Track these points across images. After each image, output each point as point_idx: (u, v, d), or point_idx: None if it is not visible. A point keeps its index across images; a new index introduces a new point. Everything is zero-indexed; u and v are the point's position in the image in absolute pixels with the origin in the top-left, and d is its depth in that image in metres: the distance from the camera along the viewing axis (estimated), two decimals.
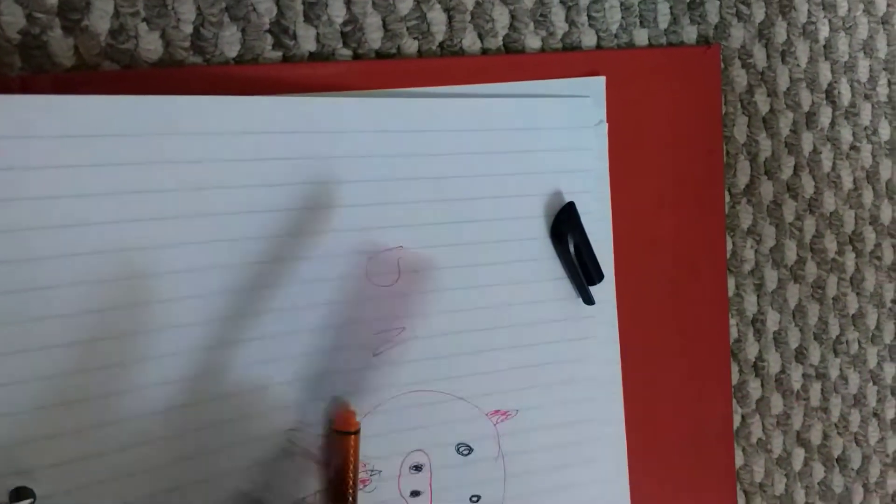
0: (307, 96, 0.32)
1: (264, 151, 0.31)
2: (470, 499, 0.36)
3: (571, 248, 0.37)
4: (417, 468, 0.35)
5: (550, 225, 0.37)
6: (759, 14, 0.43)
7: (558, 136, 0.38)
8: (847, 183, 0.46)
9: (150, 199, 0.29)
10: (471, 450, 0.36)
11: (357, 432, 0.33)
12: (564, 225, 0.37)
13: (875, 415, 0.47)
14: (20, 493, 0.27)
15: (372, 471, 0.35)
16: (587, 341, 0.39)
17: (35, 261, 0.27)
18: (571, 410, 0.38)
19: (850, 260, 0.46)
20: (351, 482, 0.32)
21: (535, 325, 0.37)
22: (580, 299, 0.38)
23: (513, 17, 0.37)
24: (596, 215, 0.38)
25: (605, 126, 0.38)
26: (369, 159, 0.34)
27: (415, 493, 0.35)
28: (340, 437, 0.33)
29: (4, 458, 0.27)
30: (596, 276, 0.38)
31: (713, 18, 0.42)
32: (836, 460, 0.46)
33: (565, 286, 0.38)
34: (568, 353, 0.38)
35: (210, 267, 0.31)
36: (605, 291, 0.39)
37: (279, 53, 0.33)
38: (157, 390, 0.30)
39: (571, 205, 0.37)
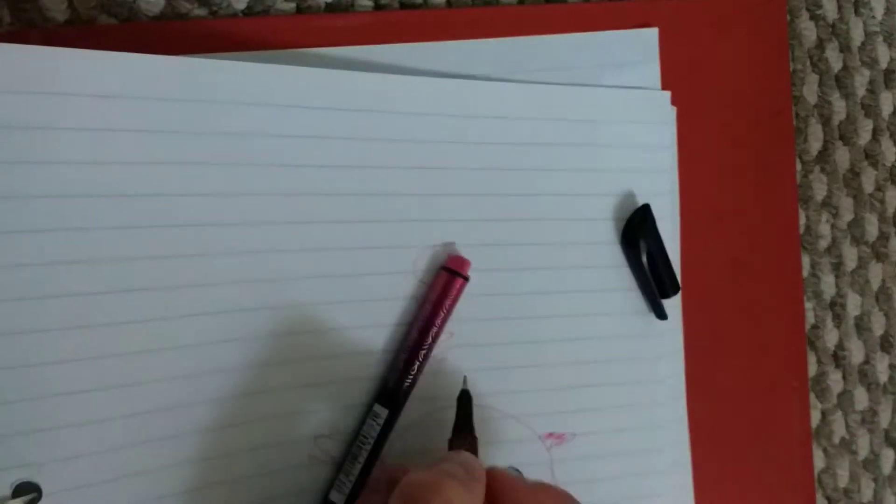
0: (363, 73, 0.31)
1: (324, 128, 0.30)
2: None
3: (644, 256, 0.35)
4: None
5: (622, 229, 0.35)
6: None
7: (629, 131, 0.36)
8: None
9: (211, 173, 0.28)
10: (520, 474, 0.34)
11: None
12: (638, 230, 0.35)
13: None
14: (25, 487, 0.26)
15: None
16: (656, 361, 0.36)
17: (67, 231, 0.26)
18: (634, 438, 0.36)
19: None
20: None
21: (599, 340, 0.35)
22: (651, 313, 0.36)
23: None
24: (668, 220, 0.36)
25: (675, 120, 0.36)
26: (419, 144, 0.32)
27: None
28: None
29: (8, 451, 0.26)
30: (671, 287, 0.35)
31: None
32: None
33: (635, 298, 0.36)
34: (634, 374, 0.36)
35: (246, 252, 0.29)
36: (673, 299, 0.36)
37: (293, 4, 0.32)
38: (171, 384, 0.28)
39: (646, 207, 0.35)
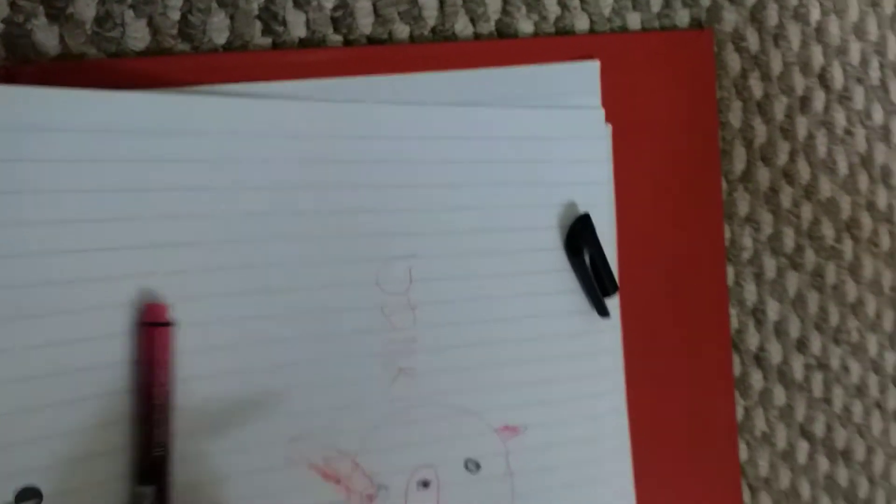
0: (330, 104, 0.35)
1: (283, 154, 0.34)
2: None
3: (587, 260, 0.40)
4: (425, 484, 0.38)
5: (565, 237, 0.40)
6: None
7: (568, 147, 0.41)
8: (843, 168, 0.49)
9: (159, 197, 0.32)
10: (479, 466, 0.39)
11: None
12: (579, 237, 0.40)
13: (878, 405, 0.51)
14: (26, 493, 0.29)
15: (379, 486, 0.37)
16: (600, 355, 0.42)
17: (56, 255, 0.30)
18: (580, 428, 0.41)
19: (847, 247, 0.50)
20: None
21: (547, 339, 0.40)
22: (594, 312, 0.41)
23: (505, 1, 0.40)
24: (606, 229, 0.41)
25: (610, 135, 0.42)
26: (382, 165, 0.36)
27: None
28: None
29: (10, 456, 0.29)
30: (611, 287, 0.40)
31: (705, 2, 0.45)
32: (841, 453, 0.50)
33: (579, 299, 0.41)
34: (580, 369, 0.41)
35: (219, 268, 0.33)
36: (611, 302, 0.41)
37: (269, 40, 0.36)
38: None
39: (587, 216, 0.40)
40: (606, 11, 0.43)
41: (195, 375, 0.33)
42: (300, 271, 0.35)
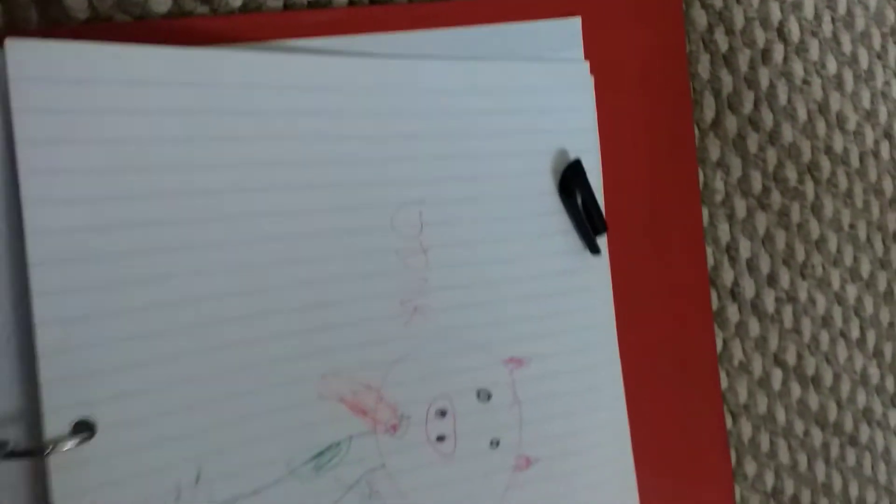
0: (333, 56, 0.38)
1: (309, 105, 0.37)
2: (490, 443, 0.42)
3: (580, 202, 0.44)
4: (442, 413, 0.41)
5: (559, 181, 0.44)
6: None
7: (557, 96, 0.44)
8: (802, 115, 0.54)
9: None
10: (490, 396, 0.42)
11: None
12: (572, 181, 0.43)
13: (842, 335, 0.55)
14: (82, 425, 0.31)
15: (402, 416, 0.40)
16: (592, 290, 0.45)
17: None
18: (577, 358, 0.45)
19: (809, 188, 0.54)
20: None
21: (544, 276, 0.44)
22: (587, 251, 0.44)
23: None
24: (593, 171, 0.45)
25: (592, 83, 0.45)
26: (391, 116, 0.39)
27: (440, 438, 0.41)
28: None
29: (67, 389, 0.31)
30: (601, 226, 0.44)
31: None
32: (811, 379, 0.54)
33: (572, 239, 0.44)
34: (574, 303, 0.45)
35: (256, 215, 0.36)
36: (600, 241, 0.45)
37: (280, 2, 0.38)
38: (223, 327, 0.35)
39: (578, 162, 0.43)
40: None
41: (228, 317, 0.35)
42: (327, 217, 0.38)
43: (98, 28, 0.34)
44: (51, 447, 0.30)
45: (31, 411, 0.31)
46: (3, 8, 0.33)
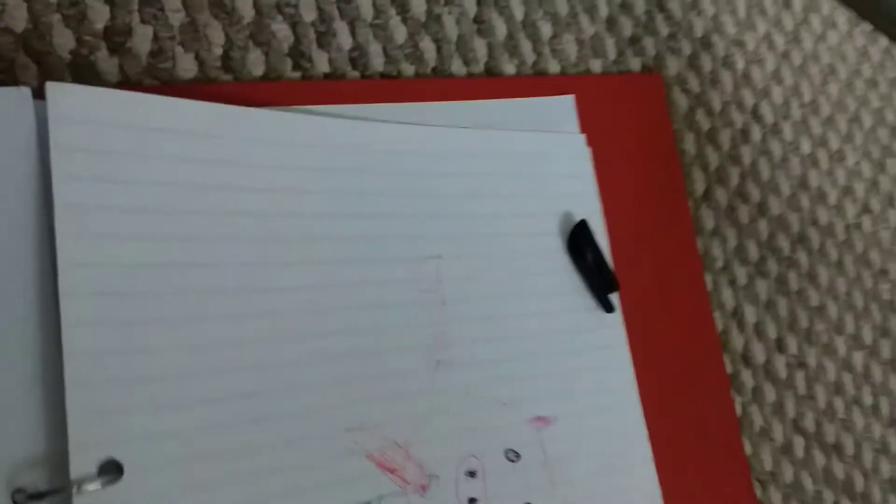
0: (365, 122, 0.40)
1: (330, 163, 0.39)
2: None
3: (589, 261, 0.45)
4: (472, 474, 0.40)
5: (567, 240, 0.45)
6: (686, 48, 0.55)
7: (559, 163, 0.47)
8: (785, 189, 0.56)
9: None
10: (518, 456, 0.41)
11: None
12: (580, 239, 0.45)
13: (856, 402, 0.55)
14: (109, 465, 0.30)
15: (430, 476, 0.38)
16: (609, 349, 0.46)
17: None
18: (603, 418, 0.44)
19: (803, 257, 0.56)
20: None
21: (561, 334, 0.44)
22: (600, 309, 0.45)
23: (489, 47, 0.47)
24: (599, 234, 0.46)
25: (591, 154, 0.48)
26: (410, 176, 0.41)
27: (472, 501, 0.39)
28: None
29: (95, 425, 0.30)
30: (613, 284, 0.45)
31: (651, 52, 0.53)
32: (833, 447, 0.53)
33: (585, 298, 0.45)
34: (593, 361, 0.45)
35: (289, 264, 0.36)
36: (614, 300, 0.46)
37: (298, 74, 0.41)
38: (252, 373, 0.34)
39: (584, 222, 0.45)
40: (573, 58, 0.50)
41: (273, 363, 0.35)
42: (352, 268, 0.38)
43: (128, 90, 0.36)
44: (76, 487, 0.28)
45: (57, 453, 0.30)
46: (39, 71, 0.35)
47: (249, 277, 0.35)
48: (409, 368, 0.39)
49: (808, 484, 0.52)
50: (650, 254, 0.49)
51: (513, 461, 0.41)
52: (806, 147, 0.58)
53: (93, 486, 0.29)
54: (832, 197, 0.58)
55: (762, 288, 0.53)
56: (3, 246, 0.30)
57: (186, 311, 0.33)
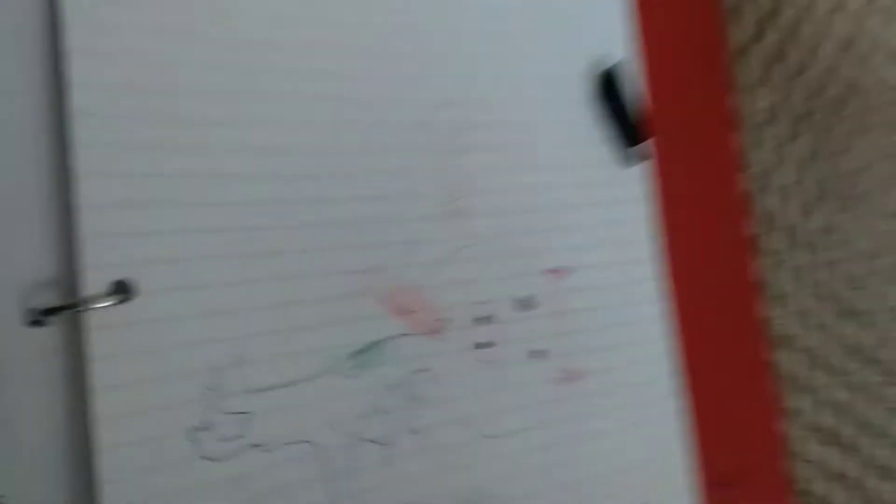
0: None
1: None
2: (533, 353, 0.40)
3: (618, 106, 0.43)
4: (485, 320, 0.39)
5: (596, 86, 0.43)
6: None
7: (591, 2, 0.44)
8: (827, 47, 0.53)
9: None
10: (532, 305, 0.40)
11: None
12: (610, 84, 0.43)
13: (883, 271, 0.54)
14: (121, 286, 0.30)
15: (443, 319, 0.38)
16: (631, 203, 0.44)
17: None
18: (619, 271, 0.43)
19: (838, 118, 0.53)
20: None
21: (583, 186, 0.43)
22: (626, 160, 0.44)
23: None
24: (631, 81, 0.44)
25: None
26: (427, 12, 0.39)
27: (483, 345, 0.39)
28: None
29: (106, 246, 0.30)
30: (641, 135, 0.43)
31: None
32: (853, 313, 0.53)
33: (611, 148, 0.44)
34: (614, 215, 0.44)
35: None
36: (641, 151, 0.44)
37: None
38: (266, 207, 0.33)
39: (615, 67, 0.43)
40: None
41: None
42: (369, 108, 0.37)
43: None
44: (88, 303, 0.28)
45: (70, 274, 0.29)
46: None
47: (267, 110, 0.34)
48: (424, 215, 0.38)
49: (831, 348, 0.52)
50: (683, 106, 0.47)
51: (527, 309, 0.41)
52: (854, 3, 0.55)
53: (104, 303, 0.29)
54: (877, 58, 0.55)
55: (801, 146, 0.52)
56: (13, 68, 0.29)
57: (207, 140, 0.33)
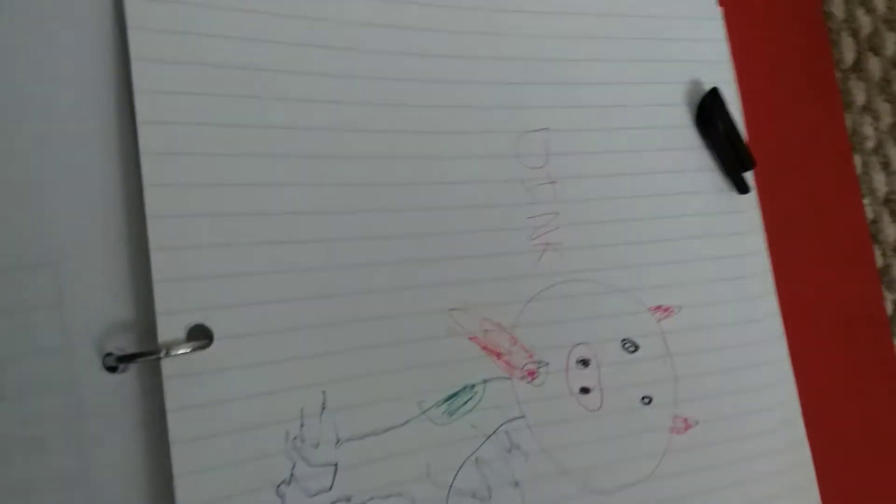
0: None
1: (431, 23, 0.35)
2: (641, 399, 0.37)
3: (721, 134, 0.40)
4: (584, 363, 0.36)
5: (696, 111, 0.40)
6: None
7: (686, 25, 0.41)
8: None
9: None
10: (636, 347, 0.37)
11: None
12: (711, 110, 0.40)
13: None
14: (198, 331, 0.28)
15: (539, 362, 0.36)
16: (742, 235, 0.41)
17: None
18: (732, 309, 0.40)
19: None
20: None
21: (687, 217, 0.40)
22: (733, 190, 0.40)
23: None
24: (732, 105, 0.41)
25: (723, 14, 0.42)
26: (514, 37, 0.37)
27: (584, 390, 0.36)
28: None
29: (181, 290, 0.28)
30: (748, 161, 0.40)
31: None
32: None
33: (717, 177, 0.41)
34: (725, 248, 0.40)
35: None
36: (748, 180, 0.41)
37: None
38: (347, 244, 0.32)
39: (716, 90, 0.40)
40: None
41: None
42: (452, 138, 0.35)
43: None
44: (165, 350, 0.27)
45: (147, 319, 0.28)
46: None
47: (349, 143, 0.33)
48: (515, 250, 0.36)
49: None
50: (790, 130, 0.44)
51: (630, 351, 0.37)
52: None
53: (182, 350, 0.28)
54: None
55: None
56: (84, 103, 0.29)
57: (282, 176, 0.32)
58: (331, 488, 0.30)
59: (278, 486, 0.29)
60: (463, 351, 0.34)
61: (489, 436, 0.34)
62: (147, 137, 0.29)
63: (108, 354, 0.28)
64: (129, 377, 0.28)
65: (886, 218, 0.46)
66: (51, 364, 0.27)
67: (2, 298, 0.27)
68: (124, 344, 0.28)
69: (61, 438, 0.27)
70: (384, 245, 0.33)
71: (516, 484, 0.34)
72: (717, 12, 0.43)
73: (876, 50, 0.47)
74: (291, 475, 0.29)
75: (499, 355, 0.35)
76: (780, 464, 0.40)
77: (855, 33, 0.47)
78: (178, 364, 0.28)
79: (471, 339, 0.35)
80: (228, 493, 0.28)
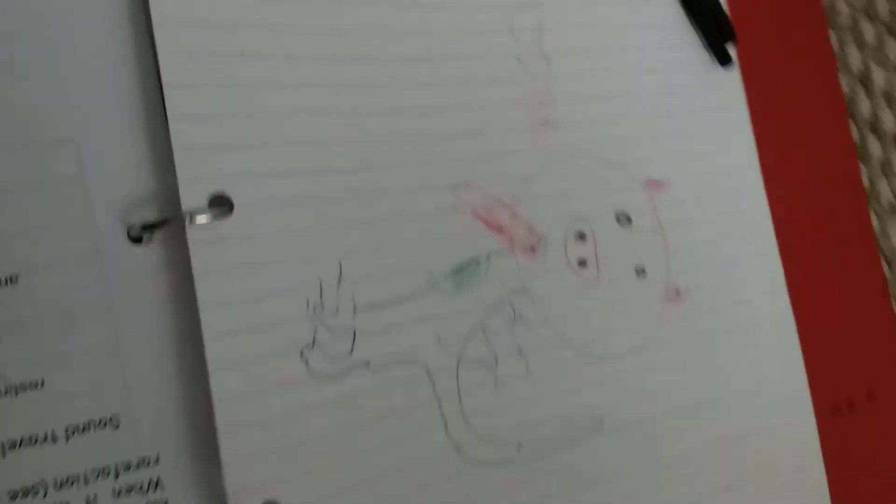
0: None
1: None
2: (635, 269, 0.39)
3: (705, 7, 0.41)
4: (581, 236, 0.38)
5: None
6: None
7: None
8: None
9: None
10: (630, 220, 0.39)
11: None
12: None
13: None
14: (219, 199, 0.29)
15: (539, 236, 0.37)
16: (727, 110, 0.42)
17: None
18: (720, 182, 0.42)
19: None
20: None
21: (675, 91, 0.41)
22: (716, 63, 0.42)
23: None
24: None
25: None
26: None
27: (581, 263, 0.38)
28: None
29: (201, 160, 0.29)
30: (729, 33, 0.41)
31: None
32: None
33: (700, 52, 0.42)
34: (710, 121, 0.42)
35: None
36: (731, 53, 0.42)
37: None
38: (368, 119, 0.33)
39: None
40: None
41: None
42: (445, 14, 0.36)
43: None
44: (189, 217, 0.28)
45: (168, 189, 0.29)
46: None
47: (357, 17, 0.34)
48: (512, 126, 0.37)
49: None
50: (771, 4, 0.45)
51: (624, 225, 0.39)
52: None
53: (204, 218, 0.28)
54: None
55: (892, 47, 0.49)
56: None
57: (298, 48, 0.32)
58: (351, 353, 0.32)
59: (301, 350, 0.30)
60: (466, 226, 0.36)
61: (495, 308, 0.36)
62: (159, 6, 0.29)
63: (132, 225, 0.28)
64: (153, 250, 0.29)
65: (861, 94, 0.48)
66: (77, 238, 0.28)
67: (26, 173, 0.27)
68: (147, 214, 0.29)
69: (90, 311, 0.28)
70: (389, 121, 0.34)
71: (521, 352, 0.36)
72: None
73: None
74: (314, 339, 0.31)
75: (500, 230, 0.37)
76: (768, 331, 0.42)
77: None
78: (202, 232, 0.29)
79: (473, 214, 0.36)
80: (258, 356, 0.29)
